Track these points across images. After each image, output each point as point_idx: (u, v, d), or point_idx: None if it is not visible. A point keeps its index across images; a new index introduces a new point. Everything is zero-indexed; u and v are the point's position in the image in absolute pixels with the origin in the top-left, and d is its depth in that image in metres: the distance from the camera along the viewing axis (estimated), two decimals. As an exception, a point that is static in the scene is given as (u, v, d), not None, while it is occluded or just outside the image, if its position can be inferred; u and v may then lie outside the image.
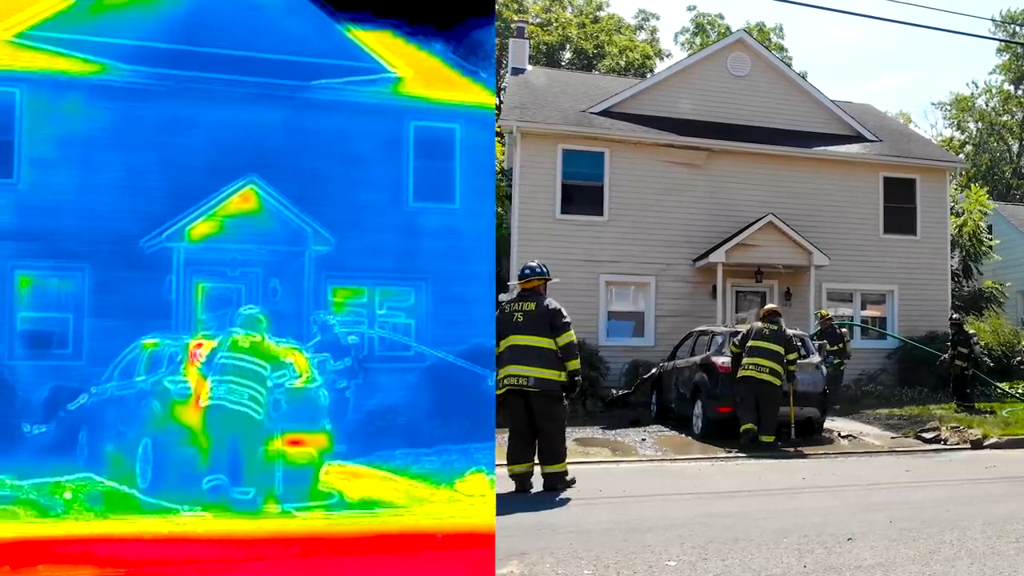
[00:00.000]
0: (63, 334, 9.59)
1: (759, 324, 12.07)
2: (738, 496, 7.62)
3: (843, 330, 17.63)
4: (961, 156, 42.41)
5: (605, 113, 19.74)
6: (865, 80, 74.76)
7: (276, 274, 10.38)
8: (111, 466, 7.27)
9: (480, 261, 9.96)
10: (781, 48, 44.65)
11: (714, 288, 18.64)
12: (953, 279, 24.74)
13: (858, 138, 21.49)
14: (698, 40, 43.82)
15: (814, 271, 19.06)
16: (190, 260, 9.85)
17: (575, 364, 7.96)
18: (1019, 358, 20.52)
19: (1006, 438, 12.37)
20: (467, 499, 7.09)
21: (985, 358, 19.42)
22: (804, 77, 24.61)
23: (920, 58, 78.61)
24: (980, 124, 47.22)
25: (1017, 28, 43.26)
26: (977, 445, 12.11)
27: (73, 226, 9.35)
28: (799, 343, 13.37)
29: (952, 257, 24.70)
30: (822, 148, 20.54)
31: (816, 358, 13.21)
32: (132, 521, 6.31)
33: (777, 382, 11.54)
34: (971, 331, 17.92)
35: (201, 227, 9.87)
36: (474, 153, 9.91)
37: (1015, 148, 46.83)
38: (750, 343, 11.81)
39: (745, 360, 11.75)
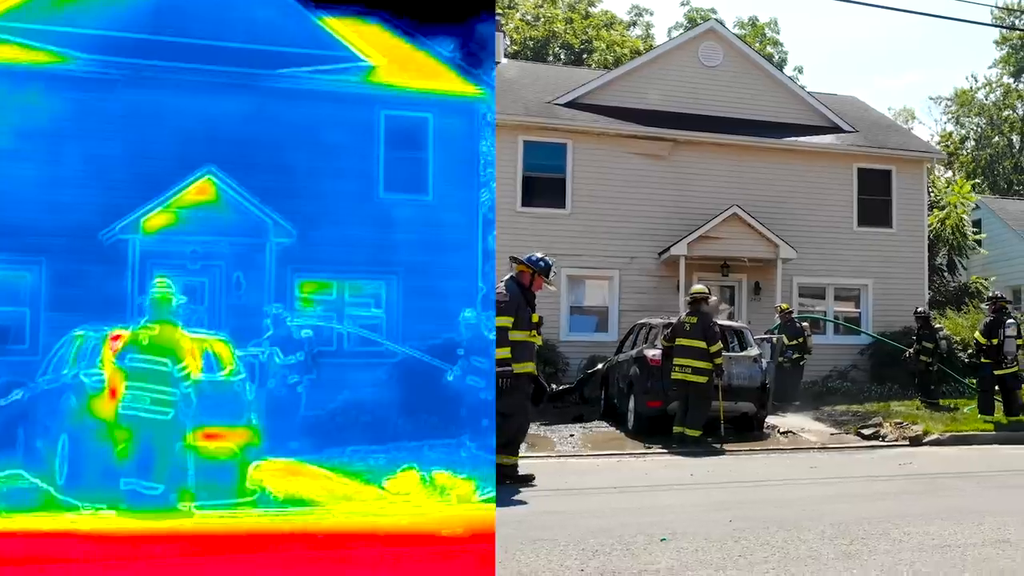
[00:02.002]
0: (19, 329, 9.26)
1: (682, 317, 11.69)
2: (602, 493, 7.28)
3: (804, 324, 17.22)
4: (939, 147, 41.54)
5: (571, 104, 19.40)
6: (877, 77, 73.84)
7: (240, 267, 9.89)
8: (39, 462, 7.11)
9: (458, 252, 9.46)
10: (776, 43, 44.07)
11: (678, 282, 18.27)
12: (938, 274, 24.27)
13: (834, 129, 21.02)
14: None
15: (782, 264, 18.63)
16: (148, 253, 9.43)
17: (496, 353, 7.52)
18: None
19: (948, 434, 11.97)
20: (392, 497, 6.84)
21: (959, 353, 18.95)
22: (800, 71, 24.43)
23: (931, 55, 77.55)
24: (980, 119, 46.36)
25: (1016, 20, 42.41)
26: (916, 442, 11.72)
27: (31, 219, 9.01)
28: (734, 334, 13.05)
29: (938, 252, 24.27)
30: (793, 139, 20.10)
31: (754, 351, 12.81)
32: (37, 518, 6.16)
33: (703, 379, 11.15)
34: (938, 325, 17.49)
35: (156, 219, 9.52)
36: (451, 142, 9.37)
37: (1016, 142, 45.96)
38: (677, 341, 11.44)
39: (674, 360, 11.40)
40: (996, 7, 41.32)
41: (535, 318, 8.11)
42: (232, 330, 8.66)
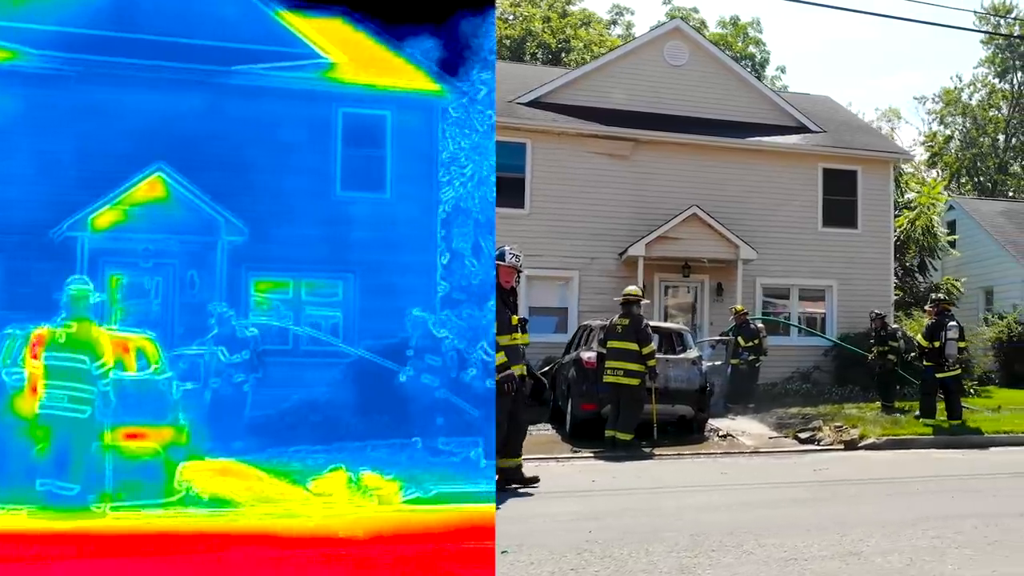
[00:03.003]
0: (-29, 329, 9.05)
1: (614, 319, 11.58)
2: (491, 499, 7.16)
3: (760, 326, 17.12)
4: (923, 147, 41.41)
5: (533, 103, 19.31)
6: (871, 77, 73.65)
7: (194, 266, 9.84)
8: (-29, 463, 7.00)
9: (416, 251, 9.28)
10: (758, 42, 43.78)
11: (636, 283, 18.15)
12: (910, 275, 24.17)
13: (801, 129, 20.93)
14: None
15: (743, 265, 18.53)
16: (99, 251, 9.38)
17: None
18: (962, 356, 19.91)
19: (885, 438, 11.88)
20: (315, 499, 6.71)
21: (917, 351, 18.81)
22: (783, 71, 24.45)
23: (924, 55, 77.30)
24: (965, 119, 46.09)
25: (1000, 20, 42.18)
26: (851, 446, 11.63)
27: (-20, 216, 8.84)
28: (672, 336, 12.97)
29: (909, 253, 24.18)
30: (756, 139, 19.99)
31: (693, 353, 12.70)
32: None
33: (635, 382, 11.03)
34: (895, 326, 17.40)
35: (105, 216, 9.45)
36: (408, 139, 9.28)
37: (1001, 142, 45.72)
38: (608, 343, 11.34)
39: (605, 362, 11.29)
40: (979, 10, 41.35)
41: (515, 320, 8.04)
42: (187, 329, 8.63)
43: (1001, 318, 23.53)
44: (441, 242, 9.70)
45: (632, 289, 11.82)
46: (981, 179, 44.20)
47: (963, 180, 44.26)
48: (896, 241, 23.59)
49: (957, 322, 13.39)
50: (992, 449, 11.74)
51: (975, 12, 41.57)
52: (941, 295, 14.70)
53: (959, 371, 13.22)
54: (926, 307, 14.15)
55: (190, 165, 9.13)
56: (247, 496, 6.51)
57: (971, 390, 18.82)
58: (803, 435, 12.23)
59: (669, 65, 20.24)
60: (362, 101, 9.86)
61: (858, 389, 17.68)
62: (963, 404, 15.72)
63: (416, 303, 8.74)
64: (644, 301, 11.94)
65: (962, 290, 24.06)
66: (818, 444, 11.81)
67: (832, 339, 19.34)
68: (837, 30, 76.43)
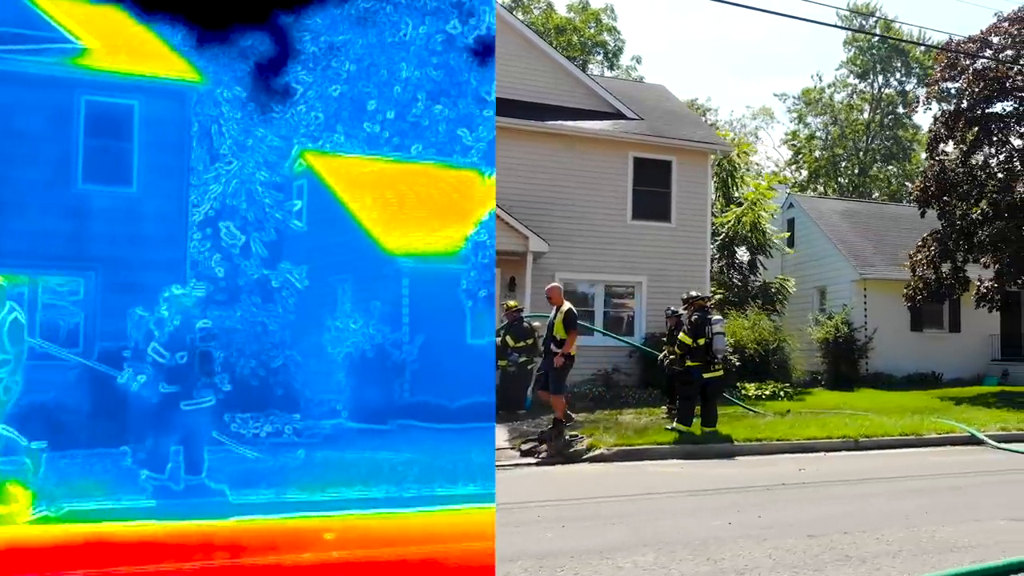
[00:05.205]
0: None
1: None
2: None
3: (535, 324, 15.46)
4: (786, 145, 40.86)
5: (312, 78, 17.39)
6: (765, 77, 73.82)
7: None
8: None
9: (166, 247, 8.38)
10: (612, 30, 42.39)
11: (411, 275, 16.36)
12: (740, 273, 23.04)
13: (616, 115, 19.48)
14: (519, 15, 39.33)
15: (533, 258, 16.95)
16: None
17: None
18: (776, 356, 18.71)
19: (616, 449, 10.26)
20: None
21: (731, 356, 17.45)
22: (639, 61, 23.35)
23: (818, 57, 77.99)
24: (826, 118, 45.71)
25: (863, 22, 41.96)
26: (574, 459, 9.99)
27: None
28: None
29: (741, 250, 23.10)
30: (558, 122, 18.39)
31: (406, 353, 10.91)
32: None
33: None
34: (693, 325, 15.93)
35: None
36: (158, 130, 7.87)
37: (863, 145, 45.39)
38: None
39: None
40: (842, 8, 41.01)
41: None
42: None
43: (830, 318, 22.49)
44: (206, 240, 8.42)
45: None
46: (843, 180, 43.78)
47: (825, 180, 43.83)
48: (723, 237, 22.42)
49: (722, 317, 11.93)
50: (737, 459, 10.22)
51: (837, 11, 41.17)
52: (694, 293, 13.04)
53: (721, 373, 11.69)
54: (682, 307, 12.61)
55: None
56: None
57: (781, 393, 17.65)
58: (525, 447, 10.54)
59: (467, 40, 18.49)
60: (108, 89, 8.71)
61: (659, 392, 16.21)
62: (753, 409, 14.50)
63: (158, 302, 7.49)
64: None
65: (792, 289, 23.05)
66: (537, 457, 10.14)
67: (626, 340, 17.84)
68: (719, 29, 76.54)
